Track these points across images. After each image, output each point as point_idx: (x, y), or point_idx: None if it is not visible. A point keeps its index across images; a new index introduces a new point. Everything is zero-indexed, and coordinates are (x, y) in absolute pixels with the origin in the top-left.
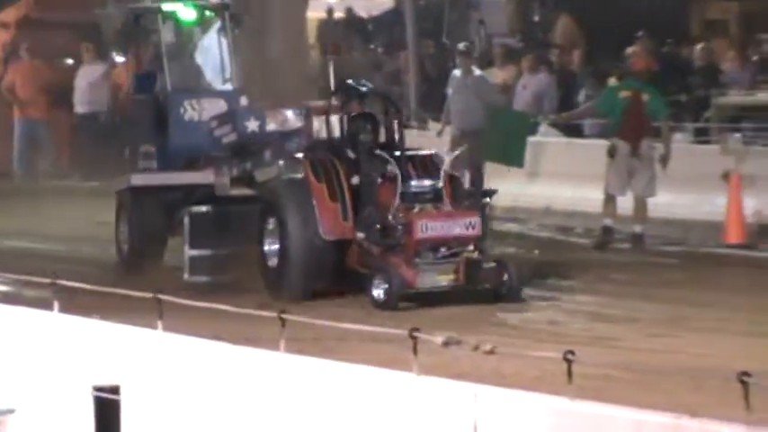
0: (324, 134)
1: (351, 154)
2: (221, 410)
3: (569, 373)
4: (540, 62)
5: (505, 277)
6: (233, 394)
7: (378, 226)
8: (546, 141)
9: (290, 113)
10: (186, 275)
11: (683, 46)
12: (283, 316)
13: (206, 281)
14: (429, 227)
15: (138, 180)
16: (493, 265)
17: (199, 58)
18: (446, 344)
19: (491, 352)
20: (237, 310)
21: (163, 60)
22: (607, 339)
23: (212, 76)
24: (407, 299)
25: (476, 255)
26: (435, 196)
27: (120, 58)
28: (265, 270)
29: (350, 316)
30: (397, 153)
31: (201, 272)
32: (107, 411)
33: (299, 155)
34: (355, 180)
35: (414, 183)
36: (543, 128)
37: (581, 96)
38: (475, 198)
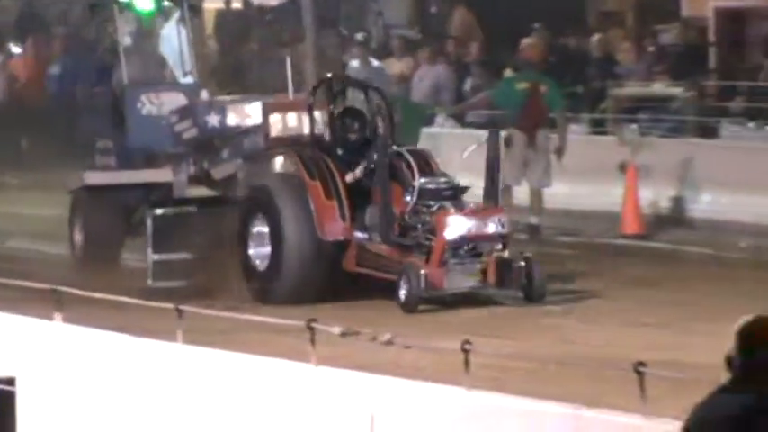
0: (289, 131)
1: (339, 151)
2: (118, 401)
3: (466, 364)
4: (438, 54)
5: (535, 276)
6: (130, 385)
7: (393, 225)
8: (441, 132)
9: (251, 108)
10: (150, 281)
11: (580, 37)
12: (180, 307)
13: (171, 286)
14: (459, 225)
15: (93, 179)
16: (522, 264)
17: (157, 50)
18: (344, 335)
19: (389, 342)
20: (136, 301)
21: (119, 52)
22: (505, 330)
23: (171, 69)
24: (432, 301)
25: (506, 254)
26: (453, 193)
27: (17, 49)
28: (252, 274)
29: (250, 309)
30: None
31: (166, 277)
32: (2, 402)
33: (278, 153)
34: (350, 177)
35: (428, 179)
36: (440, 118)
37: (467, 86)
38: (493, 196)
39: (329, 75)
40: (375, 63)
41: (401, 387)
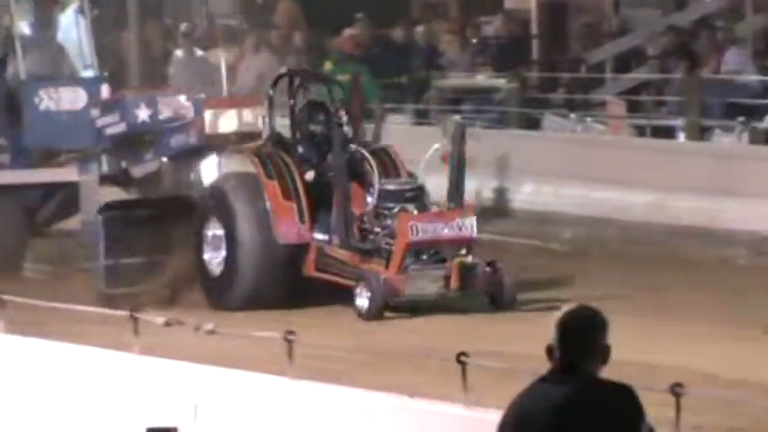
0: (226, 128)
1: (300, 148)
2: None
3: (290, 354)
4: (263, 43)
5: (504, 281)
6: None
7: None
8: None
9: (184, 101)
10: (102, 287)
11: (405, 28)
12: (2, 297)
13: (123, 292)
14: (420, 229)
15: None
16: (487, 269)
17: (55, 42)
18: (167, 324)
19: (212, 332)
20: None
21: (15, 44)
22: (331, 321)
23: (70, 62)
24: (393, 308)
25: (470, 258)
26: (416, 195)
27: None
28: (206, 280)
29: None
30: (353, 147)
31: (118, 283)
32: None
33: (233, 150)
34: (310, 176)
35: (390, 180)
36: None
37: None
38: (458, 195)
39: (289, 69)
40: (199, 53)
41: (224, 377)
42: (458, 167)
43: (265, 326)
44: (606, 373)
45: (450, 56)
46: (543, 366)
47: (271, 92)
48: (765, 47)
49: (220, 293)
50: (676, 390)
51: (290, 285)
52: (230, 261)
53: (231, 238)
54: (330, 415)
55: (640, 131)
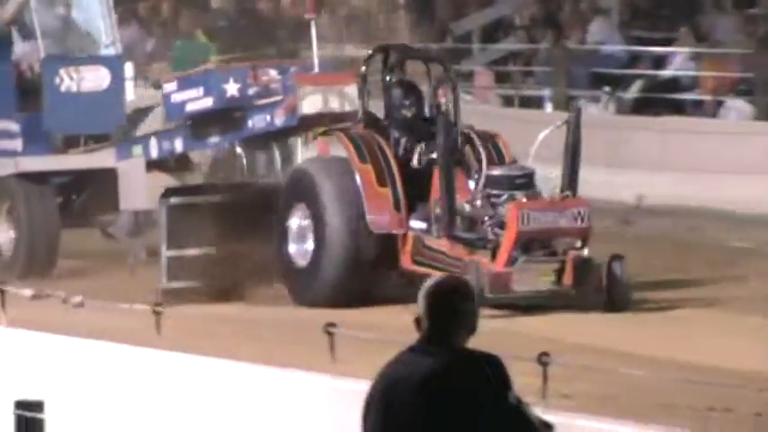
0: (314, 108)
1: (395, 131)
2: None
3: (158, 326)
4: (129, 15)
5: (619, 278)
6: None
7: (458, 217)
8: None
9: (274, 74)
10: (164, 281)
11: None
12: None
13: (187, 286)
14: (532, 217)
15: (27, 164)
16: (603, 265)
17: (73, 19)
18: (35, 297)
19: (80, 305)
20: None
21: (33, 21)
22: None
23: (91, 40)
24: (501, 306)
25: (585, 252)
26: (527, 182)
27: None
28: (290, 273)
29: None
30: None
31: (182, 276)
32: None
33: (323, 133)
34: (414, 162)
35: (497, 165)
36: None
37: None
38: (572, 184)
39: (385, 44)
40: None
41: (92, 348)
42: (573, 154)
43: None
44: (474, 343)
45: (319, 28)
46: (410, 337)
47: (363, 68)
48: (630, 17)
49: (305, 287)
50: (543, 359)
51: (381, 279)
52: (317, 252)
53: (318, 228)
54: (197, 386)
55: (508, 102)
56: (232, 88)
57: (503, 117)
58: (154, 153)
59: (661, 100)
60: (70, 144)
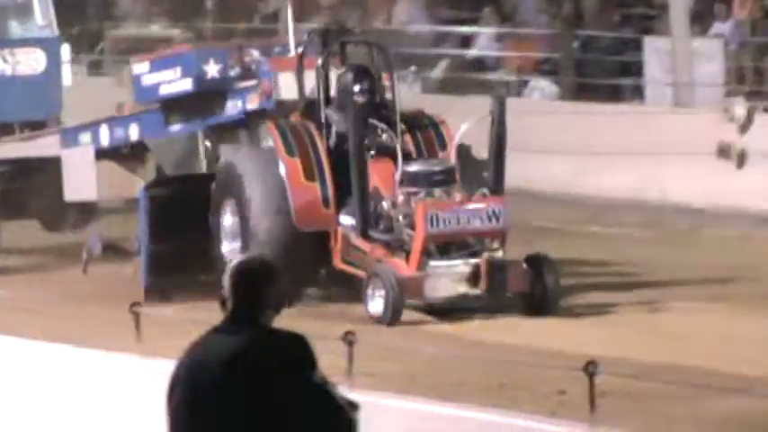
0: (291, 93)
1: (330, 120)
2: None
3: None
4: None
5: (547, 281)
6: None
7: (372, 217)
8: None
9: (257, 54)
10: (145, 280)
11: None
12: None
13: (170, 282)
14: (441, 218)
15: None
16: (523, 266)
17: (8, 2)
18: None
19: None
20: None
21: None
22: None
23: (23, 20)
24: (415, 309)
25: (500, 254)
26: (446, 178)
27: None
28: (222, 270)
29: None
30: (389, 120)
31: (164, 272)
32: None
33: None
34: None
35: (417, 160)
36: None
37: None
38: (496, 180)
39: (323, 26)
40: None
41: None
42: (497, 147)
43: None
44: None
45: (124, 6)
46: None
47: (300, 50)
48: None
49: None
50: (349, 338)
51: (313, 279)
52: (244, 251)
53: (244, 225)
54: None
55: None
56: (212, 69)
57: None
58: (105, 141)
59: (467, 79)
60: (4, 131)
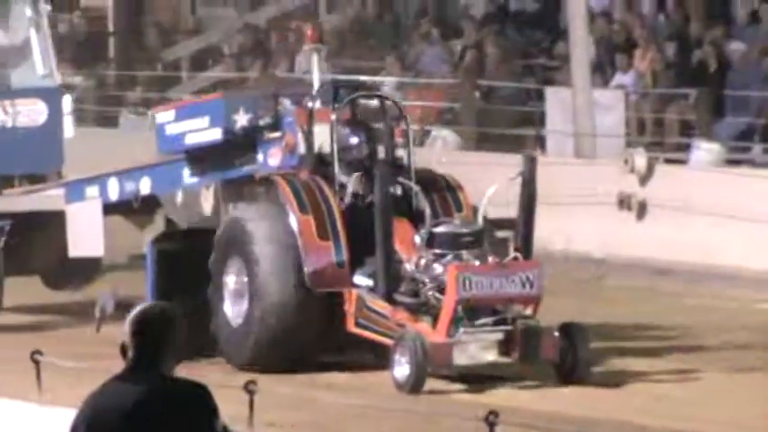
0: (302, 147)
1: (341, 177)
2: None
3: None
4: None
5: (576, 350)
6: None
7: (395, 279)
8: None
9: (288, 104)
10: None
11: None
12: None
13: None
14: (474, 283)
15: None
16: (555, 333)
17: (4, 46)
18: None
19: None
20: None
21: None
22: None
23: (25, 72)
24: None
25: (533, 321)
26: (475, 241)
27: None
28: (225, 331)
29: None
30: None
31: None
32: None
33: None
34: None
35: (443, 220)
36: None
37: None
38: (526, 243)
39: (334, 79)
40: None
41: None
42: (527, 209)
43: None
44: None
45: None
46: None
47: (310, 104)
48: (339, 46)
49: (238, 348)
50: (250, 387)
51: (326, 341)
52: (251, 310)
53: (253, 284)
54: None
55: None
56: (242, 119)
57: None
58: (113, 195)
59: None
60: (4, 184)
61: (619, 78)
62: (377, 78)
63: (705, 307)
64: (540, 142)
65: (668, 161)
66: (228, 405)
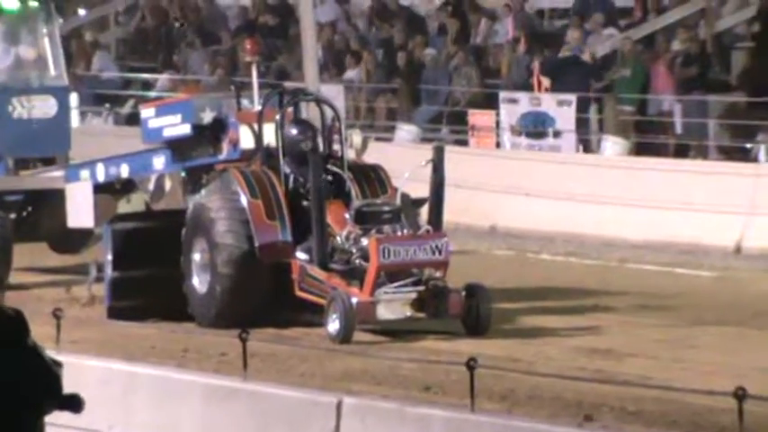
0: (251, 143)
1: (286, 167)
2: None
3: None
4: None
5: (478, 307)
6: None
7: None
8: None
9: (246, 104)
10: (107, 301)
11: None
12: None
13: (130, 305)
14: (392, 251)
15: None
16: (462, 293)
17: (23, 52)
18: None
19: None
20: None
21: None
22: None
23: (39, 72)
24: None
25: (442, 282)
26: (393, 217)
27: None
28: (194, 298)
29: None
30: (338, 166)
31: (125, 296)
32: None
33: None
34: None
35: (368, 201)
36: None
37: None
38: (437, 218)
39: (280, 85)
40: None
41: None
42: (437, 191)
43: None
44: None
45: None
46: None
47: (260, 107)
48: (125, 51)
49: (205, 310)
50: (57, 313)
51: (278, 306)
52: (213, 281)
53: (214, 258)
54: None
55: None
56: (207, 116)
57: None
58: (101, 177)
59: None
60: (21, 166)
61: (348, 74)
62: (154, 75)
63: None
64: None
65: (378, 139)
66: (39, 327)
